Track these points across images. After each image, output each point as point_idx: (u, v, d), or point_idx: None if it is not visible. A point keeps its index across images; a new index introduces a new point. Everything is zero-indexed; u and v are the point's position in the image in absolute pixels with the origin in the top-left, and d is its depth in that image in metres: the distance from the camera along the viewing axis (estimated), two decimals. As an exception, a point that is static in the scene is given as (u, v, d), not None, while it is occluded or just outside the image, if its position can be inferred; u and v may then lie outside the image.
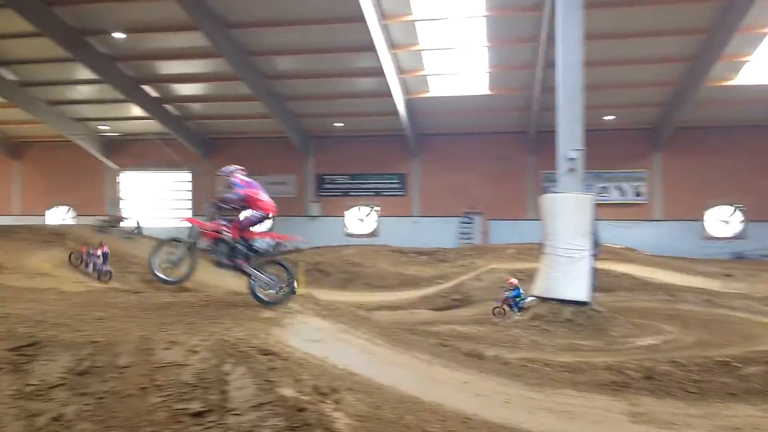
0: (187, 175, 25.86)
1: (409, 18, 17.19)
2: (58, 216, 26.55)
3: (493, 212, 23.47)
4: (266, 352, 4.41)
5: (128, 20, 17.44)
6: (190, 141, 24.57)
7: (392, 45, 18.32)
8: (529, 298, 11.94)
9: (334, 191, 25.08)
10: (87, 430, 3.90)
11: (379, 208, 24.72)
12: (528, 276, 13.47)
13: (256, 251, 6.45)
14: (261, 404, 3.85)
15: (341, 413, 3.95)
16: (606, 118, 21.38)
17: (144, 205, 26.30)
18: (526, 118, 21.93)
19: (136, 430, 3.83)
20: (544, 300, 11.30)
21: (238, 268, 6.34)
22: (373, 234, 24.59)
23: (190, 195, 25.97)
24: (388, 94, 19.93)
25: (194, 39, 17.85)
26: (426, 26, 17.68)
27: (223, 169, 6.86)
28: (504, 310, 12.21)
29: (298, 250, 22.20)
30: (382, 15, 16.95)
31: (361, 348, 6.18)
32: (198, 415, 3.82)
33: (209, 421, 3.77)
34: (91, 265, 14.56)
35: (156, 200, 26.41)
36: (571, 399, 6.06)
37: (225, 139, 25.11)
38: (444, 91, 21.00)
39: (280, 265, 6.43)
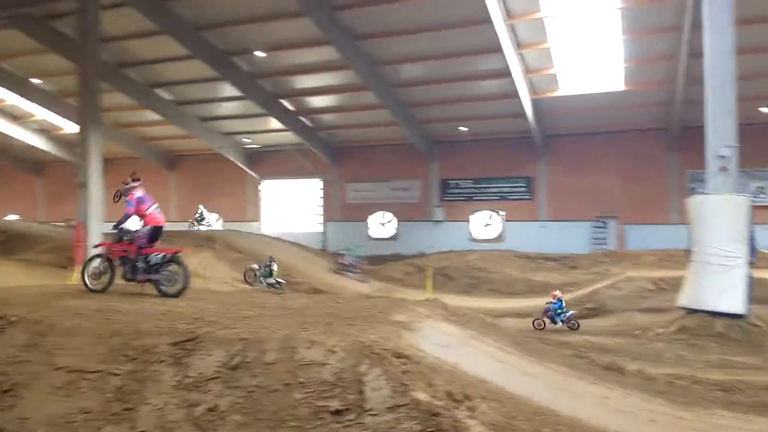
0: (319, 183, 27.19)
1: (537, 15, 16.70)
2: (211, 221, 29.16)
3: (630, 216, 22.00)
4: (400, 355, 4.51)
5: (268, 40, 18.76)
6: (322, 150, 25.83)
7: (519, 44, 17.91)
8: (570, 312, 12.17)
9: (458, 196, 25.00)
10: (238, 422, 4.23)
11: (504, 213, 24.23)
12: (671, 285, 12.47)
13: (151, 264, 7.60)
14: (396, 406, 3.93)
15: (475, 421, 3.92)
16: (762, 109, 19.18)
17: (280, 212, 28.09)
18: (667, 114, 20.32)
19: (281, 424, 4.09)
20: (692, 311, 10.38)
21: (142, 281, 7.59)
22: (498, 239, 24.15)
23: (321, 201, 27.27)
24: (514, 95, 19.51)
25: (326, 53, 18.79)
26: (554, 23, 17.07)
27: (125, 186, 7.87)
28: (544, 322, 12.31)
29: (422, 255, 22.48)
30: (508, 15, 16.64)
31: (491, 355, 6.10)
32: (337, 413, 4.00)
33: (348, 420, 3.93)
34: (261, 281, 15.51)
35: (291, 207, 28.04)
36: (725, 420, 5.50)
37: (353, 148, 26.07)
38: (574, 90, 20.10)
39: (176, 262, 7.66)
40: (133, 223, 7.88)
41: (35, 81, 22.90)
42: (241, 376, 4.58)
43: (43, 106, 24.95)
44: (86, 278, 7.87)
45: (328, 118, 24.46)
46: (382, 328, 5.41)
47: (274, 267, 15.80)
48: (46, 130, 28.72)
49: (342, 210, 26.78)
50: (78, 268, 12.83)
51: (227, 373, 4.63)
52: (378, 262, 21.94)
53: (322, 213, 27.23)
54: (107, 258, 7.89)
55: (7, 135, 28.21)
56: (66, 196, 24.76)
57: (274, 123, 24.38)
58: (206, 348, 4.93)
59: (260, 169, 28.18)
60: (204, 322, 5.66)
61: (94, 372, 5.01)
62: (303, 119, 24.27)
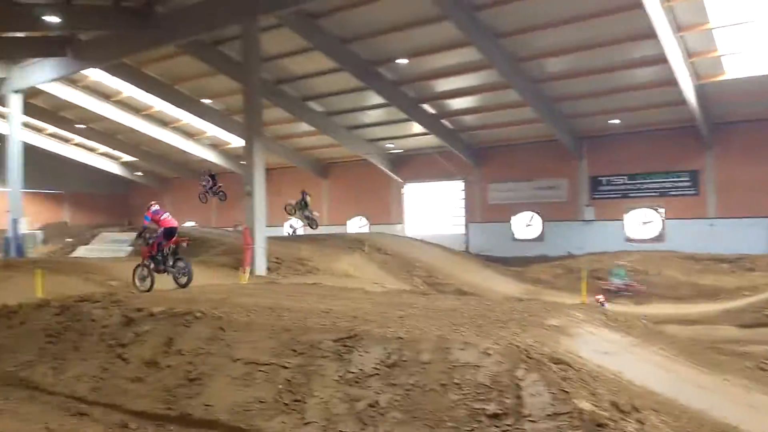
0: (460, 184, 27.15)
1: (698, -6, 15.19)
2: (357, 225, 30.51)
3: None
4: (558, 361, 4.38)
5: (410, 46, 19.18)
6: (463, 151, 25.76)
7: (677, 27, 16.39)
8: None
9: (610, 193, 23.46)
10: (397, 419, 4.39)
11: (663, 210, 22.28)
12: None
13: (166, 255, 9.84)
14: (557, 414, 3.83)
15: (646, 434, 3.69)
16: None
17: (423, 214, 28.52)
18: None
19: (439, 424, 4.17)
20: None
21: (163, 272, 9.84)
22: (657, 238, 22.24)
23: (463, 203, 27.21)
24: (673, 82, 17.86)
25: (467, 54, 18.74)
26: (716, 2, 15.37)
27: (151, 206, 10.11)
28: None
29: (571, 256, 21.44)
30: (665, -3, 15.33)
31: (657, 365, 5.67)
32: (495, 416, 3.99)
33: (506, 425, 3.90)
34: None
35: (433, 209, 28.34)
36: None
37: (495, 147, 25.65)
38: (743, 72, 17.89)
39: (181, 259, 9.95)
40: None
41: (206, 101, 25.62)
42: (398, 374, 4.74)
43: (213, 124, 27.83)
44: (136, 281, 9.87)
45: (469, 119, 24.34)
46: (537, 332, 5.29)
47: (308, 199, 18.05)
48: (215, 145, 32.01)
49: (484, 211, 26.46)
50: (248, 270, 14.16)
51: (385, 371, 4.83)
52: (522, 264, 21.34)
53: (463, 215, 27.14)
54: (146, 264, 9.89)
55: (183, 151, 31.92)
56: (234, 204, 27.34)
57: (417, 127, 24.80)
58: (365, 345, 5.18)
59: (403, 172, 28.84)
60: (361, 321, 5.94)
61: (267, 364, 5.49)
62: (444, 122, 24.42)
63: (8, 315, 8.09)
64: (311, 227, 18.71)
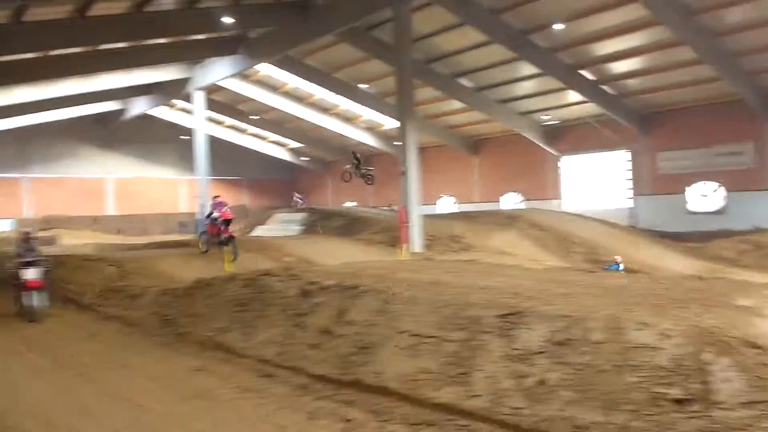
0: (625, 154, 25.22)
1: None
2: (510, 201, 29.85)
3: None
4: (752, 345, 3.95)
5: (566, 9, 18.12)
6: (627, 118, 23.86)
7: None
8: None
9: (813, 157, 20.26)
10: (568, 398, 4.28)
11: None
12: None
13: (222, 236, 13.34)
14: (753, 402, 3.47)
15: None
16: None
17: (582, 188, 27.03)
18: None
19: (615, 406, 3.99)
20: None
21: (218, 245, 13.34)
22: None
23: (628, 174, 25.27)
24: None
25: (630, 12, 17.24)
26: None
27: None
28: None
29: (760, 230, 18.91)
30: None
31: None
32: (678, 402, 3.73)
33: (692, 411, 3.63)
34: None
35: (593, 182, 26.72)
36: None
37: (664, 112, 23.37)
38: None
39: (233, 241, 13.26)
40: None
41: (361, 86, 26.63)
42: (567, 352, 4.61)
43: (368, 107, 28.89)
44: (200, 244, 14.34)
45: (634, 82, 22.41)
46: (725, 313, 4.80)
47: (359, 157, 19.05)
48: (371, 128, 33.25)
49: (653, 182, 24.32)
50: (405, 247, 14.64)
51: (553, 349, 4.73)
52: (699, 240, 19.31)
53: (629, 187, 25.20)
54: (210, 236, 13.79)
55: (342, 135, 33.62)
56: (389, 183, 28.26)
57: (573, 96, 23.47)
58: (530, 322, 5.11)
59: (559, 145, 27.52)
60: (523, 298, 5.85)
61: (430, 337, 5.68)
62: (605, 88, 22.77)
63: (204, 287, 9.24)
64: (369, 183, 19.83)
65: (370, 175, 18.83)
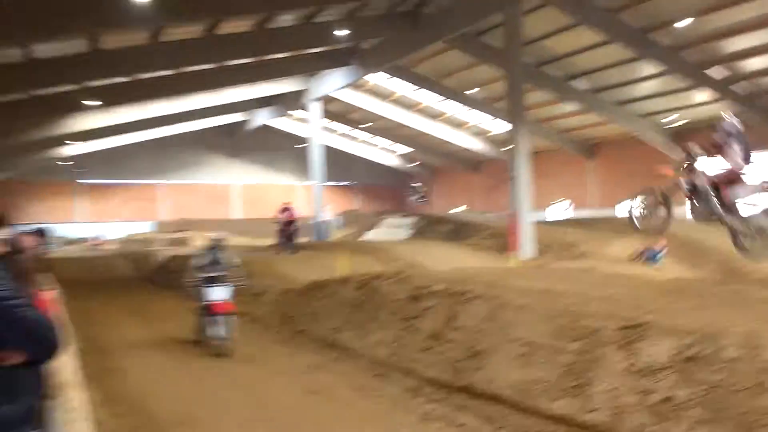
0: (762, 156, 22.93)
1: None
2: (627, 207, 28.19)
3: None
4: None
5: (691, 6, 16.89)
6: (764, 117, 21.70)
7: None
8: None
9: None
10: (699, 418, 4.02)
11: None
12: None
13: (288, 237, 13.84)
14: None
15: None
16: None
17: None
18: None
19: (751, 430, 3.71)
20: None
21: (282, 245, 14.85)
22: None
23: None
24: None
25: (764, 5, 15.74)
26: None
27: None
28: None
29: None
30: None
31: None
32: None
33: None
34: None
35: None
36: None
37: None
38: None
39: (293, 241, 12.55)
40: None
41: (469, 92, 26.51)
42: (696, 369, 4.34)
43: (477, 112, 28.67)
44: (278, 245, 17.03)
45: (770, 81, 20.38)
46: None
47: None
48: (479, 133, 32.97)
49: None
50: (514, 253, 14.38)
51: (680, 365, 4.47)
52: None
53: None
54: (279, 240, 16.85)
55: (448, 141, 33.64)
56: (498, 189, 27.86)
57: (699, 96, 21.80)
58: (653, 336, 4.86)
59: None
60: (646, 309, 5.57)
61: (544, 346, 5.56)
62: (736, 87, 20.88)
63: (320, 288, 9.68)
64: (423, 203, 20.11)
65: (423, 197, 20.01)
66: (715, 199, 5.74)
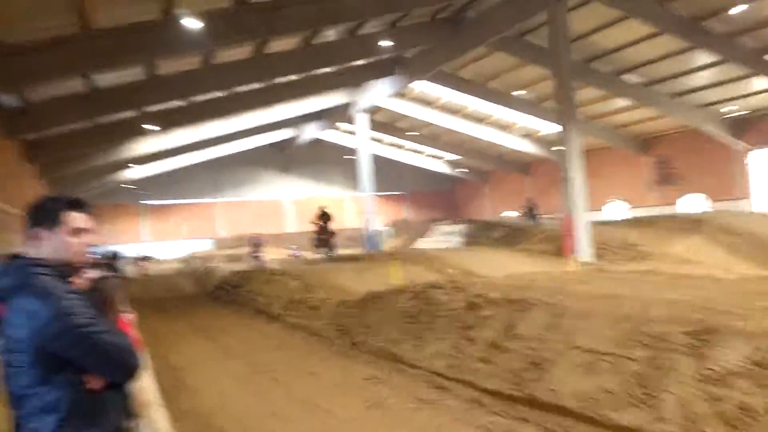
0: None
1: None
2: (690, 204, 27.10)
3: None
4: None
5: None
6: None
7: None
8: None
9: None
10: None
11: None
12: None
13: (322, 242, 16.73)
14: None
15: None
16: None
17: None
18: None
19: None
20: None
21: (321, 248, 15.47)
22: None
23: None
24: None
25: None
26: None
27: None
28: None
29: None
30: None
31: None
32: None
33: None
34: None
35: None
36: None
37: None
38: None
39: (328, 243, 15.18)
40: None
41: (516, 93, 26.18)
42: (773, 375, 4.13)
43: (524, 113, 28.27)
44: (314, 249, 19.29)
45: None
46: None
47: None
48: (527, 135, 32.47)
49: None
50: (572, 257, 14.05)
51: (755, 370, 4.26)
52: None
53: None
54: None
55: (496, 144, 33.27)
56: (549, 191, 27.33)
57: (759, 83, 20.78)
58: (724, 340, 4.65)
59: (746, 138, 24.40)
60: (715, 312, 5.34)
61: (609, 354, 5.39)
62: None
63: (375, 299, 9.73)
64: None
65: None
66: None
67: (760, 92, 21.90)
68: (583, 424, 4.89)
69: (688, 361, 4.72)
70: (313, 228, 20.05)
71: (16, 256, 2.21)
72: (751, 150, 24.48)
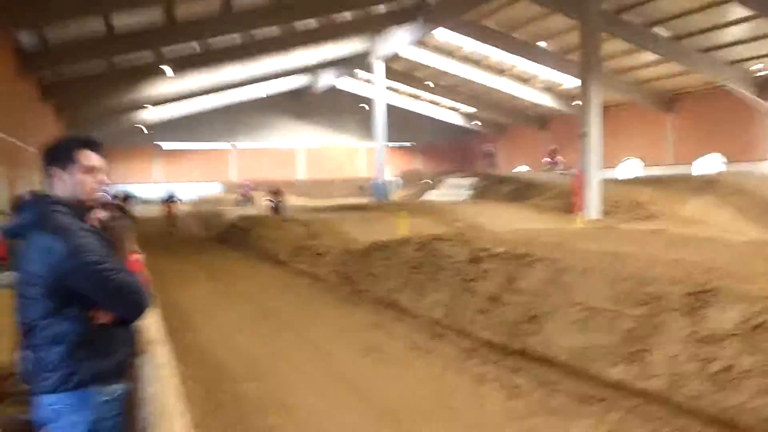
0: None
1: None
2: (708, 164, 26.53)
3: None
4: None
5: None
6: None
7: None
8: None
9: None
10: (759, 388, 3.86)
11: None
12: None
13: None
14: None
15: None
16: None
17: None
18: None
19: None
20: None
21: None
22: None
23: None
24: None
25: None
26: None
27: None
28: None
29: None
30: None
31: None
32: None
33: None
34: None
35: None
36: None
37: None
38: None
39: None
40: None
41: (540, 44, 25.36)
42: (763, 338, 4.13)
43: (547, 66, 27.44)
44: None
45: None
46: None
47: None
48: (548, 88, 31.67)
49: None
50: (581, 214, 13.96)
51: (747, 333, 4.25)
52: None
53: None
54: None
55: (515, 96, 32.55)
56: (566, 147, 26.89)
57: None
58: (722, 301, 4.63)
59: (777, 98, 23.57)
60: (718, 274, 5.30)
61: (606, 311, 5.42)
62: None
63: (380, 249, 9.81)
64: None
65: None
66: None
67: (794, 50, 21.02)
68: (573, 377, 4.98)
69: (682, 322, 4.73)
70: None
71: (34, 194, 2.28)
72: (778, 111, 23.72)
